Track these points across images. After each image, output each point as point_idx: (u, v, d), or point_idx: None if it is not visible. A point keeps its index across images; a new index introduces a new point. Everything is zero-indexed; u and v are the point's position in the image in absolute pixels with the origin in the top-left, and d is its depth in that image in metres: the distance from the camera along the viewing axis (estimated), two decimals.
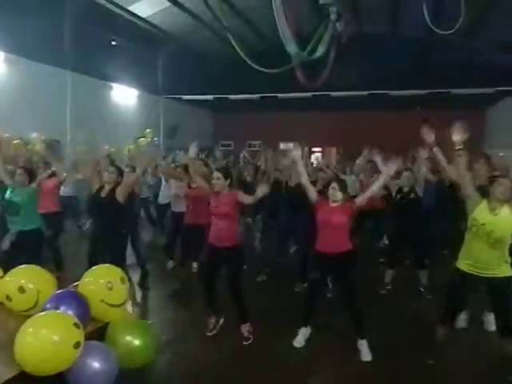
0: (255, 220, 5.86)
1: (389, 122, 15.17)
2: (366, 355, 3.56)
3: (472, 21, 10.16)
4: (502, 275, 3.06)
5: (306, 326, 3.82)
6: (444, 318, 3.37)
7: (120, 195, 4.11)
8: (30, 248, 4.34)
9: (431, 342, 3.45)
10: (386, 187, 6.51)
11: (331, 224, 3.58)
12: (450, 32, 6.72)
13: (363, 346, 3.60)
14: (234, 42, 6.52)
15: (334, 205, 3.63)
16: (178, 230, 5.44)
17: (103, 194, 4.16)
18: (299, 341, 3.77)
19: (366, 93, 12.65)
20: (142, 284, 5.18)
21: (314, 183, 5.18)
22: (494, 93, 11.97)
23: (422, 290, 5.03)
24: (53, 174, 5.21)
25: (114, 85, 11.96)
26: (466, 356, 3.64)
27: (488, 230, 3.00)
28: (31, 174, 4.50)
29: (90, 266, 2.74)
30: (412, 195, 4.96)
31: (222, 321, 4.01)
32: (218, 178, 3.71)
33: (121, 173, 4.30)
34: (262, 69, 7.46)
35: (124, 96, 12.44)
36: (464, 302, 3.36)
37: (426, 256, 5.09)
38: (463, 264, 3.19)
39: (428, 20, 7.12)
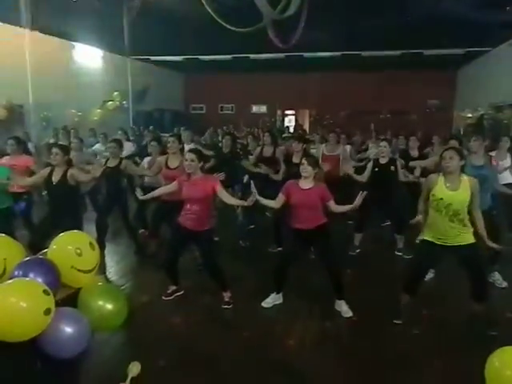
0: (234, 189, 5.90)
1: (362, 83, 15.16)
2: (346, 312, 3.75)
3: None
4: (465, 243, 3.23)
5: (278, 293, 3.95)
6: (407, 286, 3.51)
7: (72, 180, 4.20)
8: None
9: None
10: (360, 160, 6.56)
11: (305, 206, 3.61)
12: None
13: (342, 305, 3.78)
14: None
15: (305, 187, 3.63)
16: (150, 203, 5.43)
17: (54, 179, 4.18)
18: (268, 302, 3.93)
19: (339, 53, 12.50)
20: (139, 251, 5.27)
21: (289, 157, 5.20)
22: (466, 54, 12.06)
23: (399, 253, 5.21)
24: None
25: (77, 44, 11.35)
26: (443, 313, 3.80)
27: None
28: None
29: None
30: (392, 168, 4.97)
31: (181, 292, 4.12)
32: (192, 160, 3.62)
33: (67, 151, 4.33)
34: (232, 28, 7.21)
35: (88, 56, 11.84)
36: (426, 273, 3.54)
37: (404, 222, 5.18)
38: (428, 236, 3.35)
39: None
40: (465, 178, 3.21)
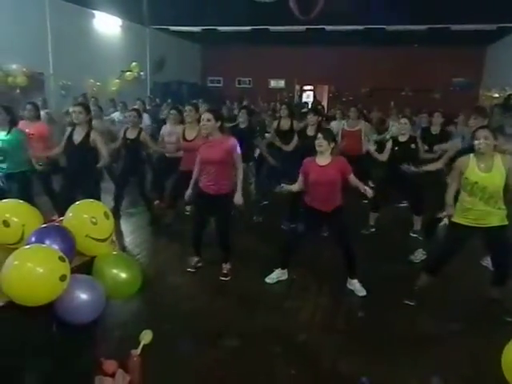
0: (248, 165, 5.86)
1: (385, 59, 14.68)
2: (360, 291, 3.74)
3: None
4: (497, 224, 3.15)
5: (284, 269, 3.95)
6: (431, 267, 3.47)
7: (93, 143, 4.25)
8: (17, 189, 4.37)
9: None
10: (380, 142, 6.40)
11: (323, 184, 3.53)
12: None
13: (355, 283, 3.76)
14: None
15: (323, 163, 3.53)
16: (170, 173, 5.43)
17: (76, 139, 4.19)
18: (271, 277, 3.94)
19: (362, 27, 12.04)
20: (154, 222, 5.34)
21: (304, 130, 5.15)
22: (496, 30, 11.50)
23: (414, 235, 5.14)
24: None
25: (96, 13, 11.20)
26: (458, 297, 3.78)
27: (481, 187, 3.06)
28: (11, 113, 4.39)
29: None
30: (412, 146, 4.84)
31: (202, 263, 4.15)
32: (208, 120, 3.55)
33: (89, 110, 4.33)
34: None
35: (107, 25, 11.70)
36: (454, 255, 3.41)
37: (422, 203, 5.08)
38: (461, 219, 3.25)
39: None
40: (498, 156, 3.08)
